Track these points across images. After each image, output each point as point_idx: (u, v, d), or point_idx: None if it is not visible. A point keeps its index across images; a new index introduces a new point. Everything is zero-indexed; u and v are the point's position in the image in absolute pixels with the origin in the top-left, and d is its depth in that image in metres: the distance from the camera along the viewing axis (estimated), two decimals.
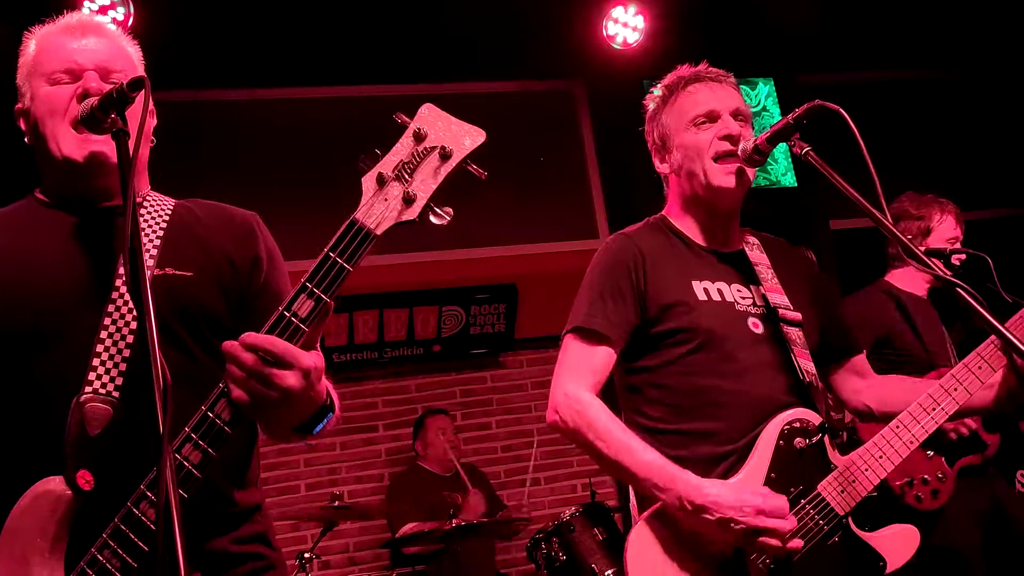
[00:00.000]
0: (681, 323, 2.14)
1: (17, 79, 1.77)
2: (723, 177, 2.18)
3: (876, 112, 6.11)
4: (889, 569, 2.09)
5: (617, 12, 5.60)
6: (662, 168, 2.34)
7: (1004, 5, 5.87)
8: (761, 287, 2.22)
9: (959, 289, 1.73)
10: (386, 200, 1.44)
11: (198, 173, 5.17)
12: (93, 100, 1.55)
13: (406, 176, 1.44)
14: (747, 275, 2.25)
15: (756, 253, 2.30)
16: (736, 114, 2.24)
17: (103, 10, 4.61)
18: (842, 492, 2.07)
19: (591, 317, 2.16)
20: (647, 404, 2.19)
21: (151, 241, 1.68)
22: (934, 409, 2.09)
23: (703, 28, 5.79)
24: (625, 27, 5.64)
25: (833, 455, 2.11)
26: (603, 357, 2.15)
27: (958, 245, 3.77)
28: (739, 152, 2.19)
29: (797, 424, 2.10)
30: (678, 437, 2.12)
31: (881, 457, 2.09)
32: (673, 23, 5.74)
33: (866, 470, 2.08)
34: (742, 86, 7.03)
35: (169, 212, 1.76)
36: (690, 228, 2.29)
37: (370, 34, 5.42)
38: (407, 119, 1.47)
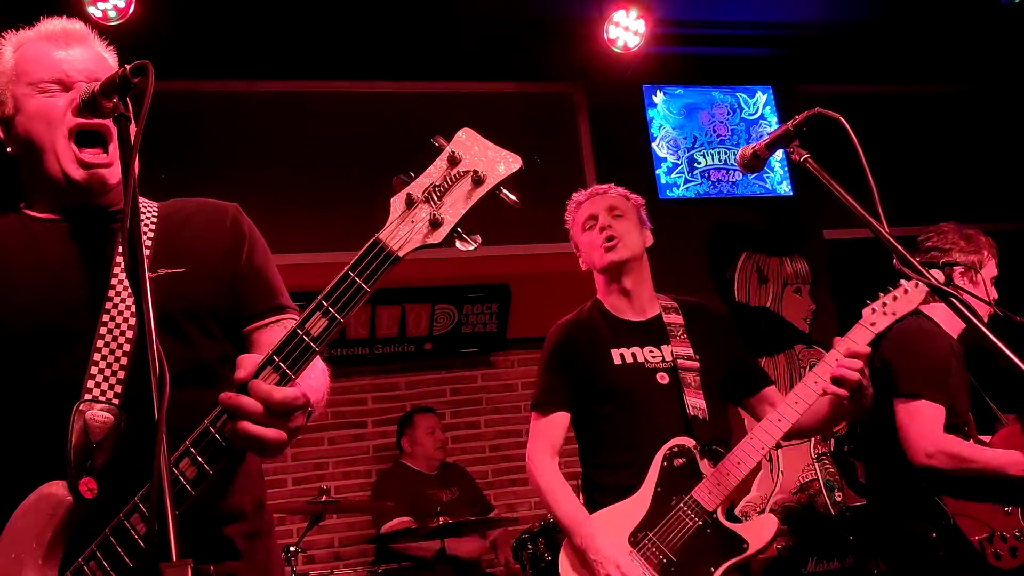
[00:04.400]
0: (603, 385, 2.86)
1: None
2: (602, 257, 2.91)
3: (874, 124, 6.13)
4: (751, 550, 2.65)
5: (618, 16, 5.58)
6: (584, 268, 3.05)
7: (1008, 21, 5.90)
8: (670, 344, 2.88)
9: (953, 299, 1.74)
10: (412, 222, 1.40)
11: (195, 163, 5.16)
12: (94, 85, 1.53)
13: (435, 199, 1.40)
14: (660, 336, 2.91)
15: (671, 316, 2.96)
16: (611, 210, 2.96)
17: None
18: (710, 493, 2.66)
19: (542, 395, 2.93)
20: (588, 443, 2.95)
21: (145, 245, 1.66)
22: (779, 421, 2.63)
23: (703, 34, 5.81)
24: (626, 31, 5.62)
25: (704, 466, 2.74)
26: (556, 424, 2.89)
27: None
28: (737, 157, 2.27)
29: (676, 448, 2.76)
30: (606, 469, 2.85)
31: (739, 463, 2.66)
32: (674, 28, 5.75)
33: (727, 474, 2.66)
34: (740, 93, 7.01)
35: (156, 215, 1.76)
36: (613, 305, 2.98)
37: (371, 31, 5.41)
38: (444, 142, 1.43)
